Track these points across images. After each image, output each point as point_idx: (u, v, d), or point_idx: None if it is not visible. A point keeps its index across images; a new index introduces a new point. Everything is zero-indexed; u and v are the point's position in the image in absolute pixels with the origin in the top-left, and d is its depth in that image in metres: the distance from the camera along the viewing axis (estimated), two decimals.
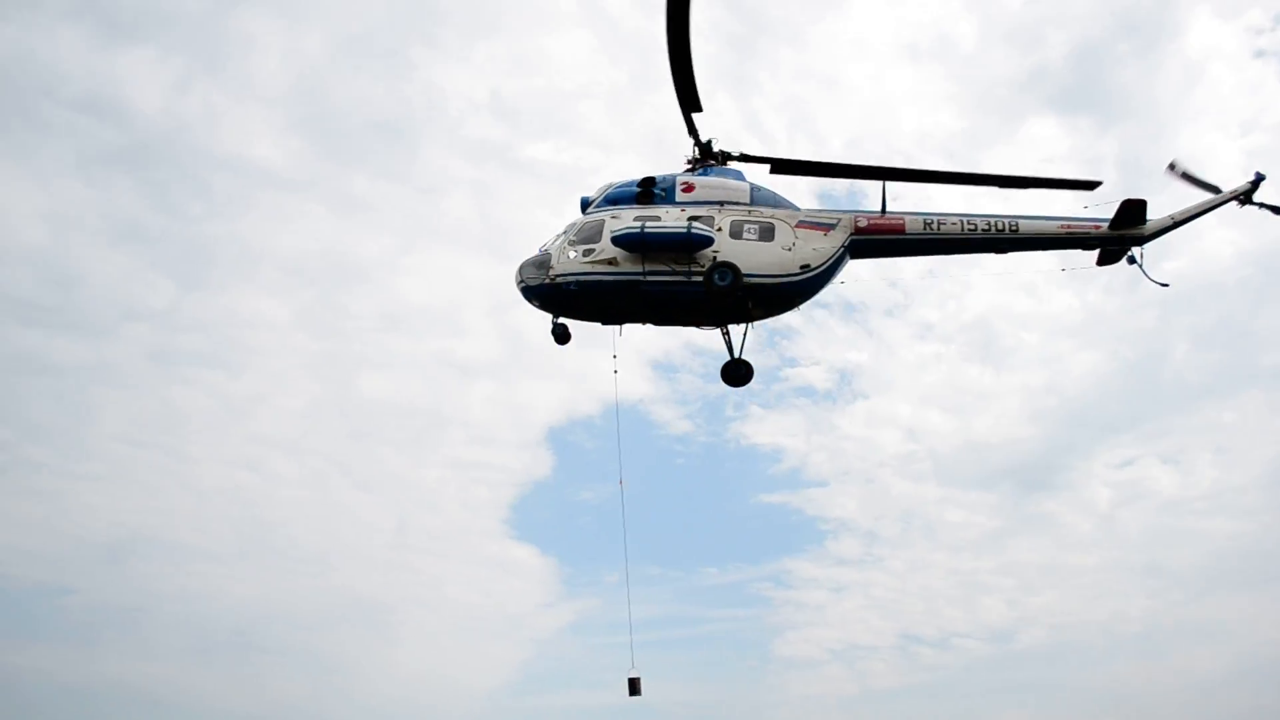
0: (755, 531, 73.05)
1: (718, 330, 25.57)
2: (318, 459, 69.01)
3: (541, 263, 24.57)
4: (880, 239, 24.52)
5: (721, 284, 23.28)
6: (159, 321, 66.28)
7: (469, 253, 74.53)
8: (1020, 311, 73.70)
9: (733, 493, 76.43)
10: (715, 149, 25.43)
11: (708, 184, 24.86)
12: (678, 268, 23.45)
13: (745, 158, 25.32)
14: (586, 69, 72.27)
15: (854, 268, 25.02)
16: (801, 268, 23.84)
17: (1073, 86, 71.78)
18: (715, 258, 23.53)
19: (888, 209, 24.59)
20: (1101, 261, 24.84)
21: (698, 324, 25.35)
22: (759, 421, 74.43)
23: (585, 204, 25.39)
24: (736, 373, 25.87)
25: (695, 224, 23.59)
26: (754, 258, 23.69)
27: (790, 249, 23.91)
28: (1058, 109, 73.59)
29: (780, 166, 24.75)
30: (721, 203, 24.48)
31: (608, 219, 24.24)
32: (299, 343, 70.58)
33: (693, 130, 24.84)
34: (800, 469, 73.48)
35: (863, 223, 24.46)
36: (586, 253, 24.02)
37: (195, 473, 64.83)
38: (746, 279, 23.39)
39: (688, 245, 23.32)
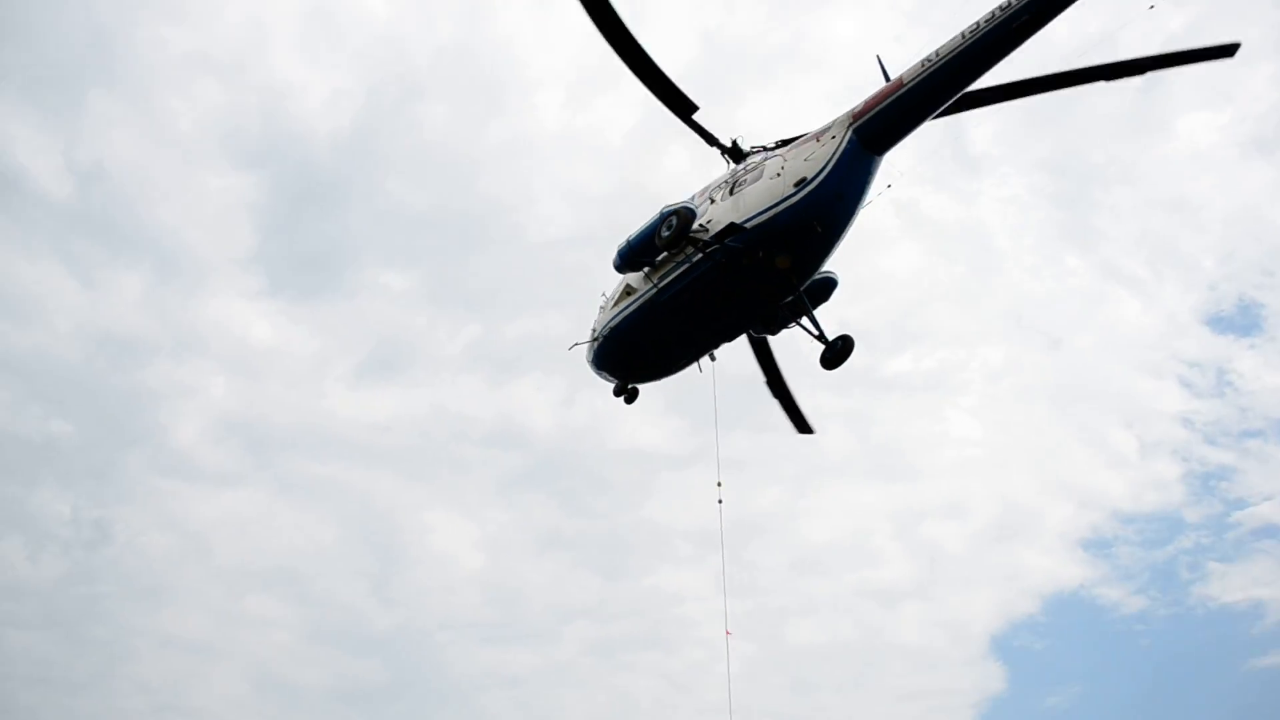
0: (1260, 704, 60.57)
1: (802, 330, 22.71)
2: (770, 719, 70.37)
3: (593, 337, 24.36)
4: (885, 108, 20.07)
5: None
6: (594, 616, 71.61)
7: (859, 480, 75.08)
8: None
9: (1218, 665, 66.46)
10: (746, 147, 23.03)
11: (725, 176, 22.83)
12: (678, 258, 21.51)
13: (782, 142, 22.38)
14: (921, 273, 73.07)
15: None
16: (797, 184, 20.21)
17: None
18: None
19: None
20: None
21: (753, 320, 22.69)
22: (1222, 579, 66.20)
23: None
24: (833, 350, 21.87)
25: (669, 205, 21.70)
26: (745, 203, 20.79)
27: (779, 174, 20.65)
28: None
29: None
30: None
31: None
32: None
33: (703, 133, 22.57)
34: None
35: (859, 107, 20.51)
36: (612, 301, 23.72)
37: None
38: (744, 224, 20.55)
39: (666, 225, 21.23)
